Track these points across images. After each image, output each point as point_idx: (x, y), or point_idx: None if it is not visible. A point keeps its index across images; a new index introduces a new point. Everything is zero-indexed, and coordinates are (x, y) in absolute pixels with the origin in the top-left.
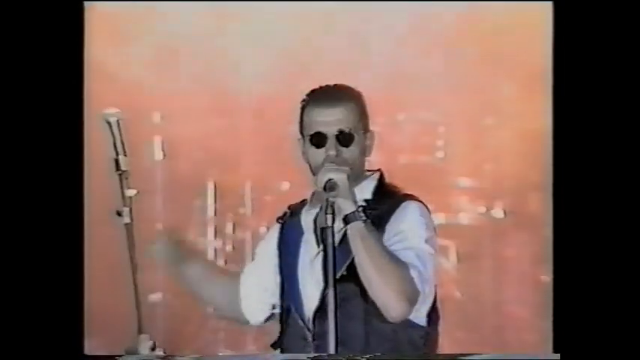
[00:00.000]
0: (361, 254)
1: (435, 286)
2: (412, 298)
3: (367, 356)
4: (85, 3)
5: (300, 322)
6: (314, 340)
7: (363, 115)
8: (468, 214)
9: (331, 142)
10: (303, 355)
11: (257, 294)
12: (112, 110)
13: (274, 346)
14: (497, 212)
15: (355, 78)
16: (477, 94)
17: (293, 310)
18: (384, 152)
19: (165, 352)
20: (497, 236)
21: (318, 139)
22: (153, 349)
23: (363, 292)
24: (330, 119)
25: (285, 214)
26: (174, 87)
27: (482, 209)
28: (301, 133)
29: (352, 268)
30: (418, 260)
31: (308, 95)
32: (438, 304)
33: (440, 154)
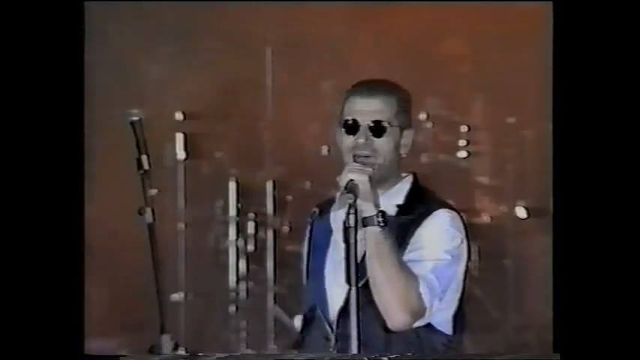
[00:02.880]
0: (373, 260)
1: (462, 293)
2: (416, 312)
3: (392, 356)
4: (85, 3)
5: (324, 321)
6: (337, 340)
7: (403, 110)
8: (490, 213)
9: (363, 130)
10: (326, 355)
11: None
12: (134, 110)
13: (295, 346)
14: (520, 212)
15: (376, 76)
16: (500, 93)
17: (318, 309)
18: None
19: (187, 352)
20: (519, 236)
21: (351, 126)
22: (175, 348)
23: None
24: (366, 109)
25: (314, 212)
26: (196, 87)
27: (505, 209)
28: (340, 120)
29: None
30: (434, 274)
31: (353, 86)
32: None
33: (462, 154)
